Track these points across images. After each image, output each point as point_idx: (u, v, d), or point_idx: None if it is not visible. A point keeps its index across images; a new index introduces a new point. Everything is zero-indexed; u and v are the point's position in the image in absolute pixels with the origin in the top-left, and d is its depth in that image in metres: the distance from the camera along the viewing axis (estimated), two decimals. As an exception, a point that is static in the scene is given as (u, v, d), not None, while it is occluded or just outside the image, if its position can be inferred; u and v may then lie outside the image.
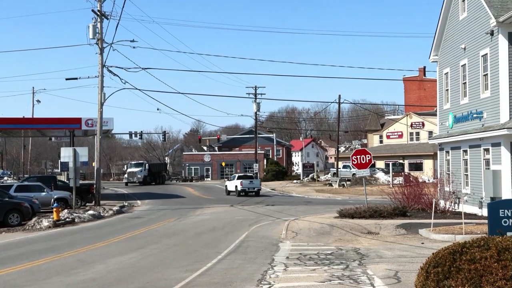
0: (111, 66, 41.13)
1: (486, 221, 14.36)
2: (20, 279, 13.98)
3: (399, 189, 29.52)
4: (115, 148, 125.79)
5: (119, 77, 51.97)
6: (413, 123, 79.22)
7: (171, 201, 44.67)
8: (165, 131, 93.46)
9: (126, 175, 78.98)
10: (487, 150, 25.16)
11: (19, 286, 13.19)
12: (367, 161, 27.58)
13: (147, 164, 79.91)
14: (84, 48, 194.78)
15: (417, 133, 78.83)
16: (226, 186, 55.16)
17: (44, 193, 34.44)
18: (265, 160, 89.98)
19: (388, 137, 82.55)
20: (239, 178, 51.81)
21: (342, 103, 77.97)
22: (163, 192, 57.30)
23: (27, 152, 78.87)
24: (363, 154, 27.91)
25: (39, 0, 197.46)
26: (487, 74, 24.85)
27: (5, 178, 65.57)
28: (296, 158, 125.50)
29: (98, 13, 38.92)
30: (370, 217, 24.82)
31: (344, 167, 72.21)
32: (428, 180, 36.09)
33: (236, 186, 51.12)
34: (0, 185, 37.42)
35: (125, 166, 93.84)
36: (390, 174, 59.51)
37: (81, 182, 43.44)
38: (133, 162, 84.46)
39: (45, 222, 27.02)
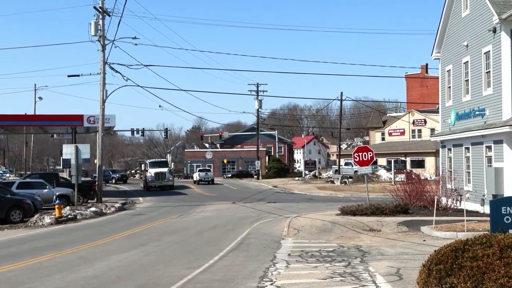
0: (113, 63, 41.29)
1: (488, 218, 14.33)
2: (22, 276, 13.99)
3: (401, 187, 29.50)
4: (117, 145, 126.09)
5: (121, 74, 51.95)
6: (415, 120, 79.12)
7: (173, 198, 44.68)
8: (167, 128, 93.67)
9: (152, 177, 57.37)
10: (489, 148, 25.12)
11: (20, 283, 13.19)
12: (369, 159, 27.54)
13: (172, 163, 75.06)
14: (86, 45, 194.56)
15: (419, 130, 78.72)
16: (193, 177, 73.79)
17: (46, 190, 34.42)
18: (267, 157, 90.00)
19: (390, 134, 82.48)
20: (198, 171, 71.77)
21: (344, 100, 78.06)
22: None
23: (29, 149, 79.02)
24: (365, 151, 27.87)
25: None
26: (489, 71, 24.80)
27: (7, 175, 65.57)
28: (298, 155, 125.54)
29: (100, 10, 38.88)
30: (372, 215, 24.82)
31: (346, 164, 72.22)
32: (430, 178, 36.16)
33: (196, 177, 69.99)
34: (2, 182, 37.46)
35: (142, 165, 69.74)
36: (392, 172, 59.42)
37: (84, 179, 43.39)
38: (153, 160, 66.06)
39: (47, 219, 27.05)
